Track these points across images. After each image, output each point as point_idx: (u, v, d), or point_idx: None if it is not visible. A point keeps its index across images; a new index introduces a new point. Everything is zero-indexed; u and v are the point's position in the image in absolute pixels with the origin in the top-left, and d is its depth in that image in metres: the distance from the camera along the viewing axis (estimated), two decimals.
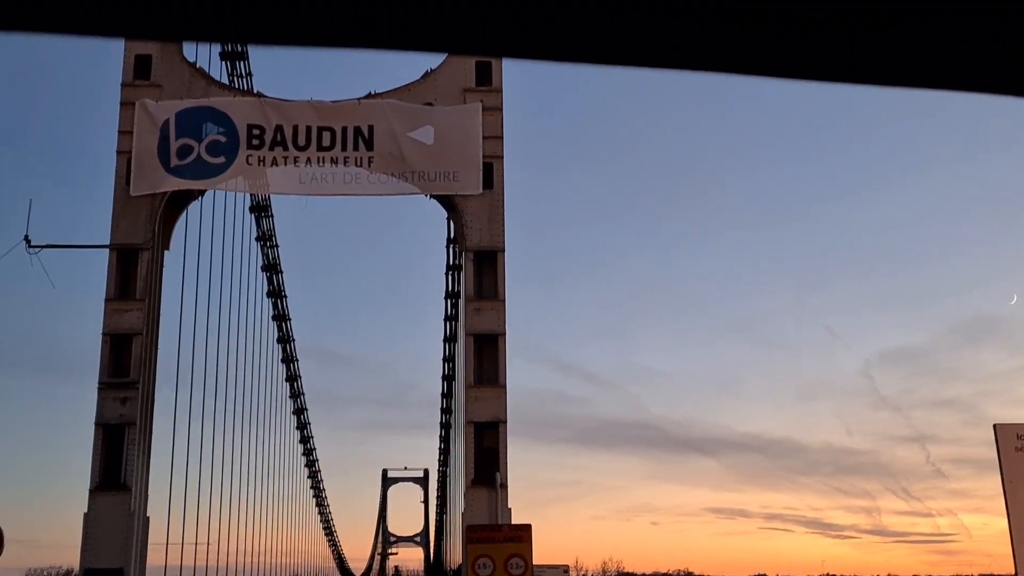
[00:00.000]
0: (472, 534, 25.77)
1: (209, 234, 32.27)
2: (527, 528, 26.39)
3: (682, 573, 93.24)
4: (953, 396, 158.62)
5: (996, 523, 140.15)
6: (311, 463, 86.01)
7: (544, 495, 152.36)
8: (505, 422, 27.28)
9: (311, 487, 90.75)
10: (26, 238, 28.64)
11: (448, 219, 31.88)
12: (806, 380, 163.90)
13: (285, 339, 54.43)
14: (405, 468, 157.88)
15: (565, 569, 27.11)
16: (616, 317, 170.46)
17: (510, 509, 26.53)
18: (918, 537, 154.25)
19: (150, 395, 27.99)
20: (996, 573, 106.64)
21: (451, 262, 37.33)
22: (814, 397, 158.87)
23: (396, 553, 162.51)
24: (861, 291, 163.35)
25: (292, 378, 68.24)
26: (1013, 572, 14.89)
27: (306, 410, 77.45)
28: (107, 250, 28.21)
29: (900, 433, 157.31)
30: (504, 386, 27.59)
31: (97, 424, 26.47)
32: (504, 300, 28.03)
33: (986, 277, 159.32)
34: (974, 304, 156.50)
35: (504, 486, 26.54)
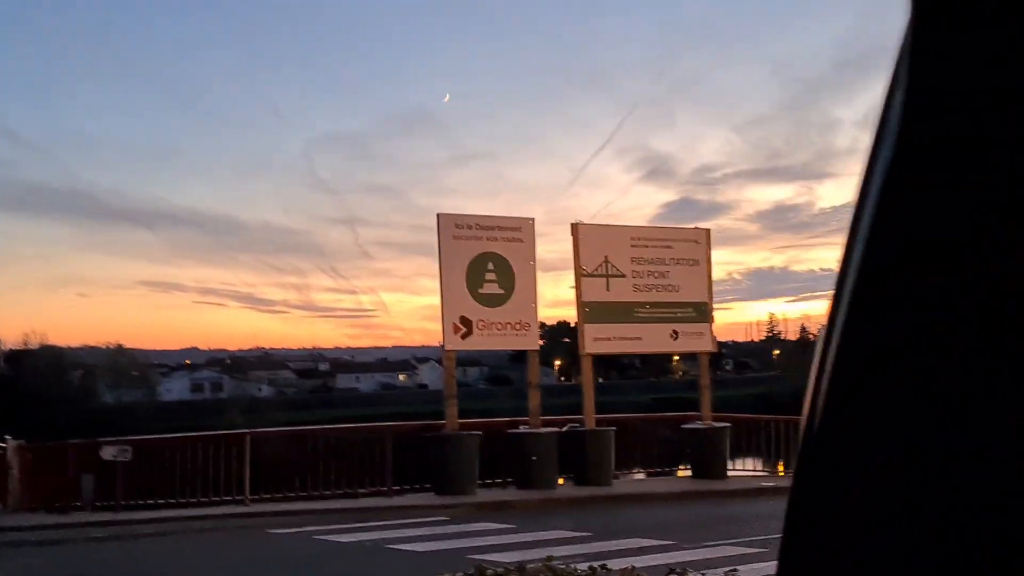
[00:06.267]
0: None
1: None
2: None
3: (112, 346, 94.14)
4: (385, 182, 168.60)
5: (410, 301, 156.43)
6: None
7: None
8: None
9: None
10: None
11: None
12: (248, 157, 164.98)
13: None
14: None
15: None
16: (44, 73, 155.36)
17: None
18: (343, 312, 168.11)
19: None
20: (406, 345, 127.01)
21: None
22: (255, 175, 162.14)
23: None
24: (306, 74, 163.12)
25: None
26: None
27: None
28: None
29: (334, 215, 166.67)
30: None
31: None
32: None
33: (422, 73, 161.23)
34: (409, 97, 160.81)
35: None
